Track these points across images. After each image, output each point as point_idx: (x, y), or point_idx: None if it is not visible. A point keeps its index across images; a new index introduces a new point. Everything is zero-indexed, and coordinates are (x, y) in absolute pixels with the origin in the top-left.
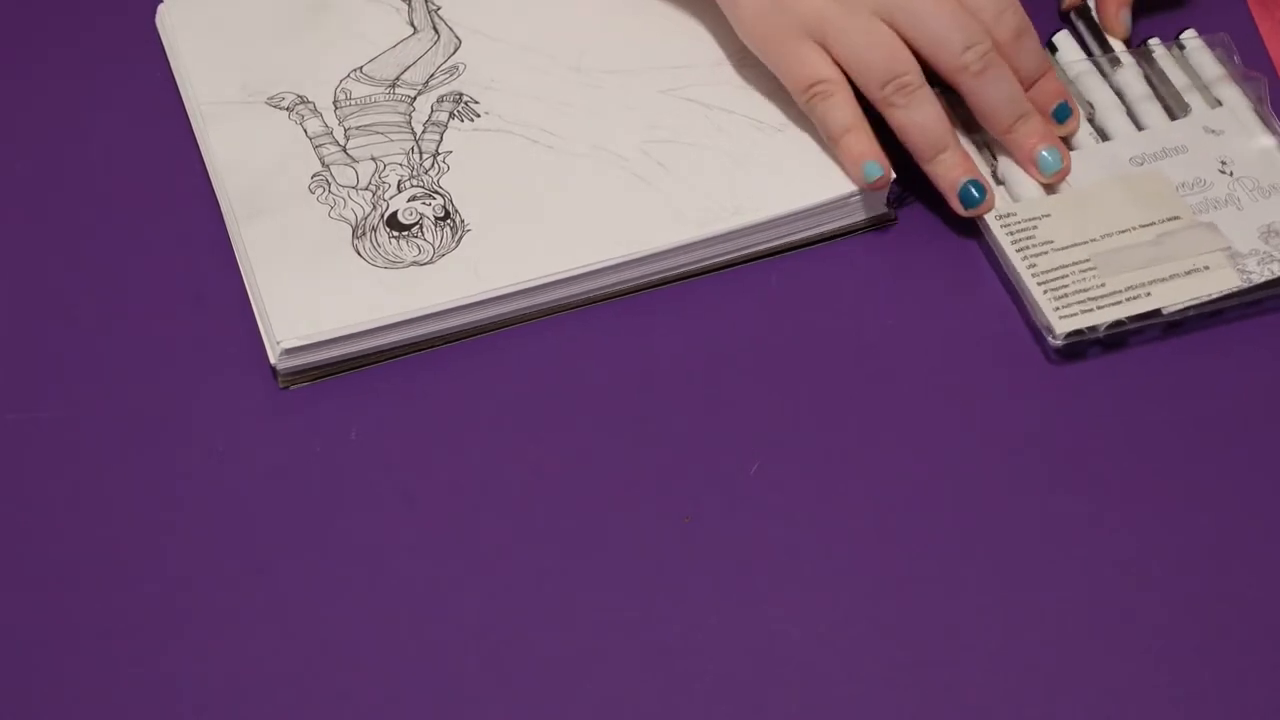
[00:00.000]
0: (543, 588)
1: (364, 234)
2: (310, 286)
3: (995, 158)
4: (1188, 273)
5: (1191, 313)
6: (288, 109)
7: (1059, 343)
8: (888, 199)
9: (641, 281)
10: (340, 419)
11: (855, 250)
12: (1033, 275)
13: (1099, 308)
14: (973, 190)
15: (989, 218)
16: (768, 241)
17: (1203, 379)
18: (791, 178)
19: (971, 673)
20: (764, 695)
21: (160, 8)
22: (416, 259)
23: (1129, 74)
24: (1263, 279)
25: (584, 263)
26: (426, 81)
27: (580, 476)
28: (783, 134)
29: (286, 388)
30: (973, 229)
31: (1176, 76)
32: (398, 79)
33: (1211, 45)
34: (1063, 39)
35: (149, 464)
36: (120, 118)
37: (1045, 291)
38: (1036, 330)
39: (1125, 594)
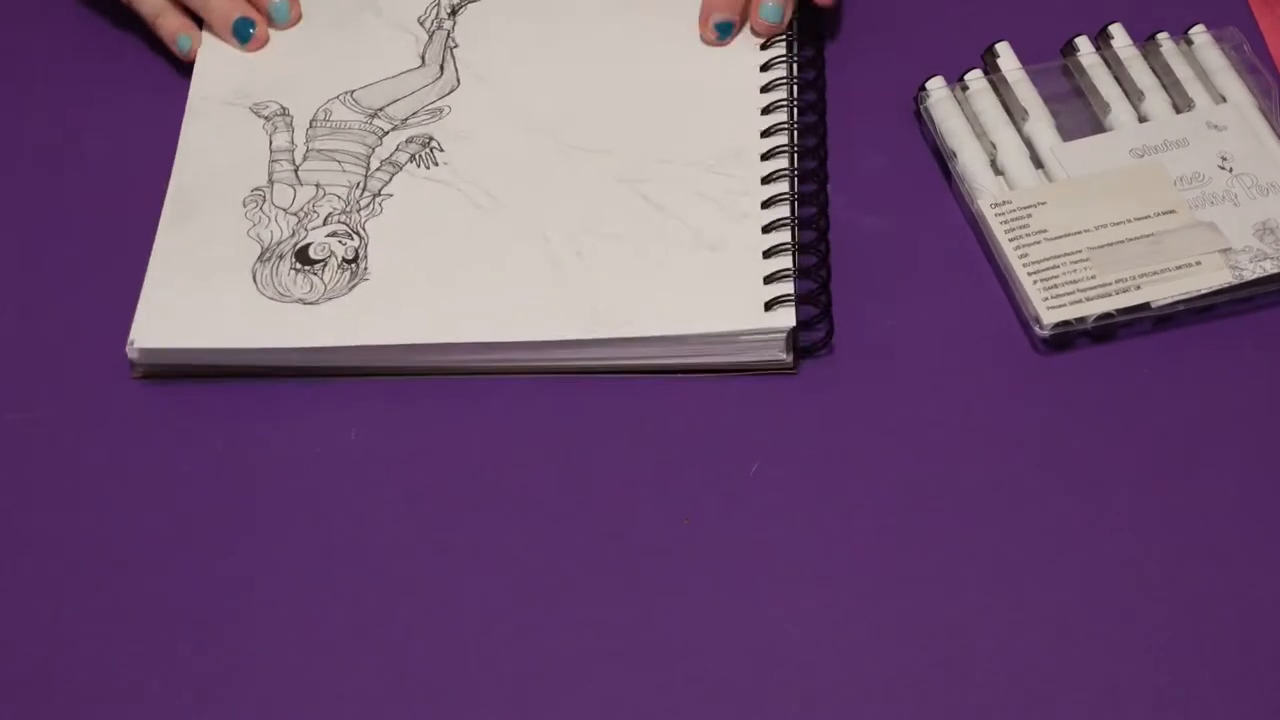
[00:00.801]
0: (543, 588)
1: (269, 259)
2: (188, 299)
3: (995, 146)
4: (1179, 267)
5: (1181, 307)
6: (266, 118)
7: (1046, 333)
8: (789, 344)
9: (527, 366)
10: (339, 424)
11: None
12: (1023, 264)
13: (1088, 299)
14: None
15: (984, 205)
16: (652, 359)
17: (1191, 374)
18: (697, 302)
19: (971, 672)
20: (764, 695)
21: None
22: (304, 297)
23: (1136, 67)
24: (1254, 276)
25: (464, 336)
26: (407, 118)
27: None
28: (715, 254)
29: (141, 378)
30: (974, 227)
31: (1183, 71)
32: (382, 109)
33: (1219, 41)
34: (1082, 41)
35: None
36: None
37: (1035, 281)
38: (1025, 321)
39: (1120, 590)
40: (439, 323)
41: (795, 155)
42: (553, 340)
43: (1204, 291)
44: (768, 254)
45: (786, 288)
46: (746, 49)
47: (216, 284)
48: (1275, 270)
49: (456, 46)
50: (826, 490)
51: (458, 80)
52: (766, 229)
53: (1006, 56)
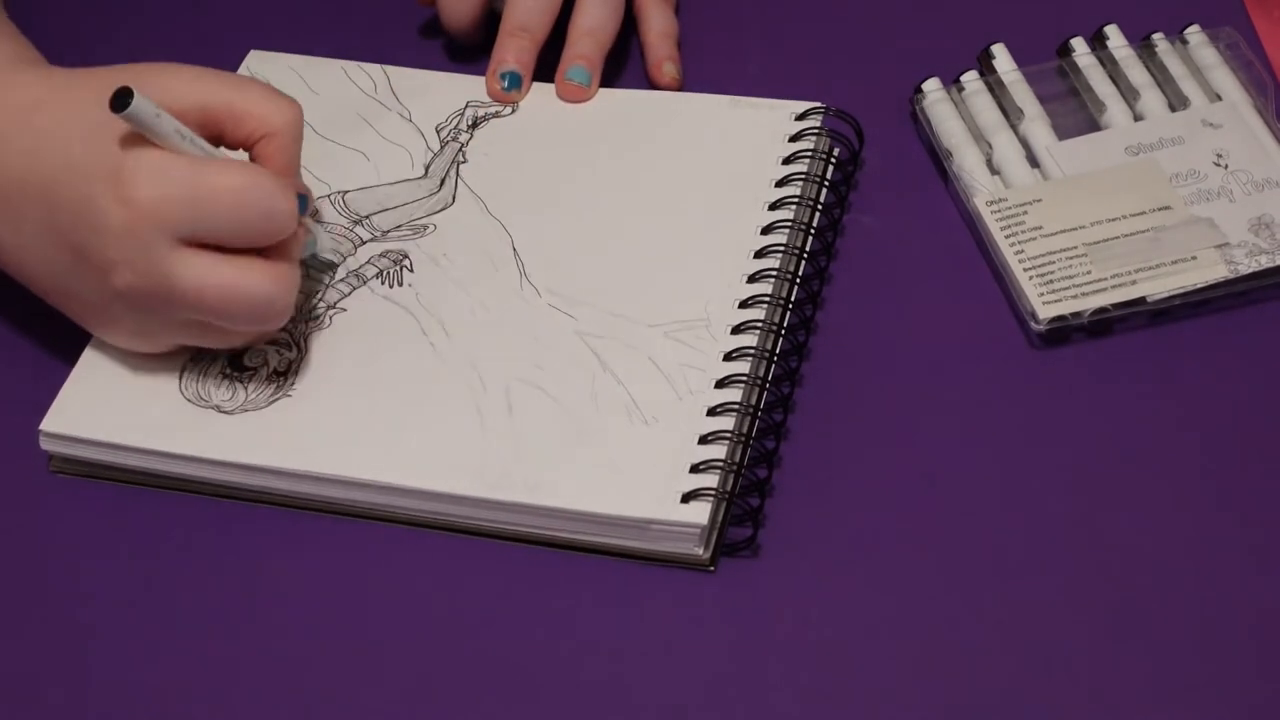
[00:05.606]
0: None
1: (201, 359)
2: (110, 388)
3: (991, 146)
4: (1175, 262)
5: (1177, 302)
6: None
7: (1041, 328)
8: (709, 539)
9: (430, 518)
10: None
11: None
12: (1019, 260)
13: (1084, 294)
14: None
15: (979, 203)
16: (559, 532)
17: (1187, 368)
18: (611, 479)
19: (970, 669)
20: (765, 695)
21: (252, 53)
22: (221, 404)
23: (1131, 66)
24: (1249, 270)
25: (357, 473)
26: (389, 231)
27: None
28: (649, 430)
29: (56, 472)
30: (970, 226)
31: (1178, 69)
32: (367, 217)
33: (1215, 40)
34: (1077, 42)
35: None
36: None
37: (1031, 277)
38: (1021, 317)
39: (1118, 586)
40: (337, 455)
41: (775, 334)
42: (451, 494)
43: (1200, 286)
44: (703, 440)
45: (712, 480)
46: (756, 206)
47: (143, 377)
48: (1270, 265)
49: (465, 162)
50: (822, 490)
51: (453, 199)
52: (712, 412)
53: (1002, 58)
